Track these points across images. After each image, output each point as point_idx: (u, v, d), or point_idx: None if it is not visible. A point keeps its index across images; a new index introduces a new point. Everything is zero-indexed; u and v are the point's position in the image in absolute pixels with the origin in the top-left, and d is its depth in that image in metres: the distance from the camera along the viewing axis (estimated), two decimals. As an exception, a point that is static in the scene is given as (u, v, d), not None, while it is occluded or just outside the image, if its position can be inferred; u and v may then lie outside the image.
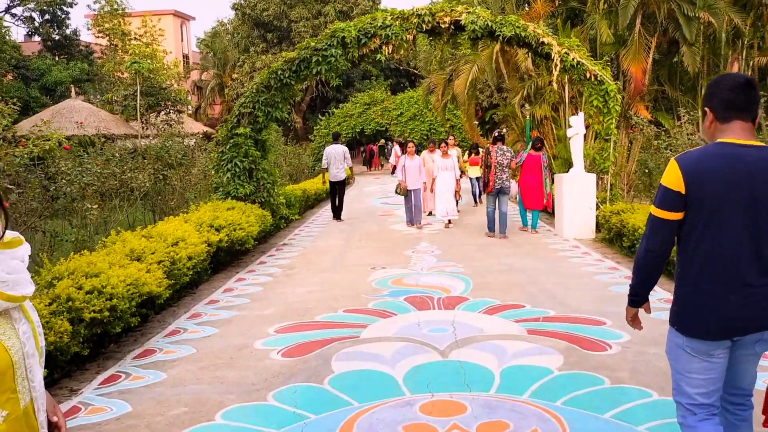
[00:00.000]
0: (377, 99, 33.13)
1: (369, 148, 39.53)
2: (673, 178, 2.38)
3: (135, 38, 40.73)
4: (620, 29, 15.49)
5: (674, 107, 18.76)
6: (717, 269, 2.36)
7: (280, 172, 21.55)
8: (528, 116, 16.71)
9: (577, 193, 10.69)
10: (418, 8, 10.58)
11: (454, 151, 12.94)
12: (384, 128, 32.92)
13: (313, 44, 10.60)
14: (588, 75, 10.69)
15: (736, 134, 2.37)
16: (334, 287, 7.66)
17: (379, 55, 10.68)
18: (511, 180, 11.24)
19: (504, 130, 34.29)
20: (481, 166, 12.46)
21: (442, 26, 10.59)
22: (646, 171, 11.13)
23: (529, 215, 11.50)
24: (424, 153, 13.94)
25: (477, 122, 35.17)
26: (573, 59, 10.58)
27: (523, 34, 10.50)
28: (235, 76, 37.45)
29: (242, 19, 37.02)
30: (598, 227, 10.66)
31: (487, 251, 9.78)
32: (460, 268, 8.53)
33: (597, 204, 10.78)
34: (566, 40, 10.81)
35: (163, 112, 27.82)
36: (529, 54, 11.53)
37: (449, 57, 22.50)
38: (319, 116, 34.01)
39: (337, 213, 13.84)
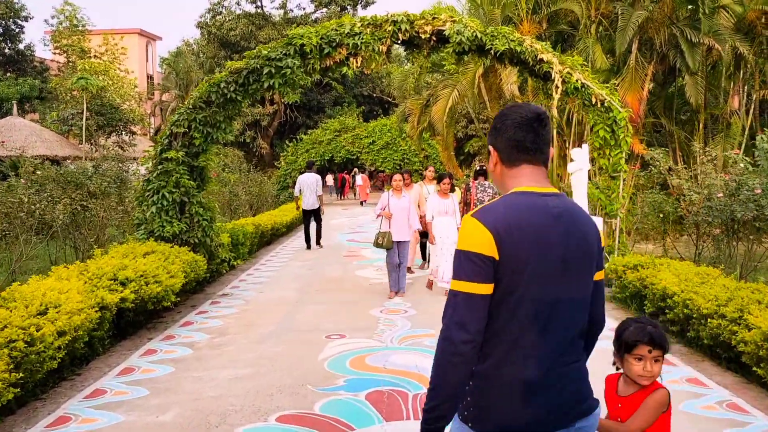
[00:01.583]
0: (348, 126, 31.41)
1: (341, 177, 37.68)
2: (480, 240, 1.81)
3: (95, 56, 38.67)
4: (617, 54, 13.96)
5: (669, 142, 17.29)
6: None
7: (237, 201, 19.58)
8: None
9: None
10: (394, 14, 8.77)
11: (454, 196, 9.34)
12: (354, 156, 31.12)
13: (265, 52, 8.70)
14: (594, 100, 8.96)
15: (529, 181, 1.92)
16: (272, 371, 5.62)
17: (345, 69, 8.83)
18: None
19: (483, 163, 32.85)
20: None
21: (422, 36, 8.78)
22: (661, 216, 9.38)
23: None
24: (416, 186, 11.07)
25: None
26: (577, 81, 8.85)
27: (518, 48, 8.75)
28: (196, 94, 35.42)
29: (208, 38, 35.14)
30: (607, 281, 8.86)
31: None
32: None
33: (604, 254, 8.96)
34: (568, 59, 9.09)
35: (114, 134, 25.64)
36: (521, 76, 9.75)
37: (424, 85, 20.89)
38: (287, 142, 32.08)
39: (309, 242, 14.04)
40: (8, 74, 34.00)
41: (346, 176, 37.96)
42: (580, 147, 16.40)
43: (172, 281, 7.05)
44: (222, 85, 8.65)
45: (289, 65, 8.53)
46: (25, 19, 37.84)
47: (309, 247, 13.92)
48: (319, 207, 13.81)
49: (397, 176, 9.20)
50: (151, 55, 54.12)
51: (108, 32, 40.34)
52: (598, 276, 2.01)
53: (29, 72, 36.70)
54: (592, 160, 9.45)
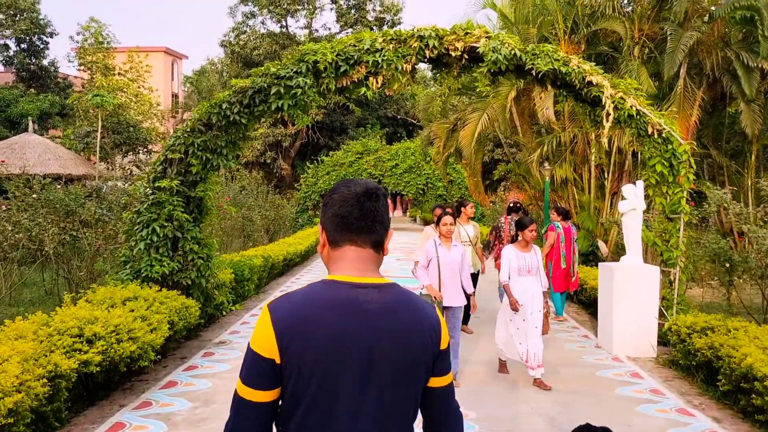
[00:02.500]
0: (371, 148, 30.41)
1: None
2: (262, 337, 1.60)
3: (119, 73, 38.40)
4: (665, 78, 12.73)
5: (717, 174, 15.94)
6: None
7: (252, 227, 18.57)
8: (548, 177, 13.81)
9: (632, 293, 7.60)
10: (421, 29, 7.69)
11: (537, 249, 6.78)
12: (377, 180, 30.07)
13: (273, 70, 7.67)
14: (650, 130, 7.75)
15: (349, 267, 1.69)
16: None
17: (364, 89, 7.74)
18: None
19: (517, 198, 31.57)
20: (491, 242, 9.43)
21: (452, 54, 7.68)
22: (726, 266, 8.07)
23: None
24: (428, 229, 8.68)
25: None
26: (631, 107, 7.65)
27: (563, 69, 7.60)
28: (218, 116, 34.85)
29: (231, 57, 34.60)
30: (662, 340, 7.59)
31: (507, 380, 6.65)
32: (468, 419, 5.37)
33: (661, 309, 7.69)
34: (621, 82, 7.91)
35: (131, 152, 24.96)
36: (564, 100, 8.58)
37: (451, 108, 19.82)
38: (308, 164, 31.19)
39: None
40: (30, 90, 33.71)
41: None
42: (620, 177, 15.20)
43: (152, 336, 5.95)
44: (224, 105, 7.62)
45: (300, 85, 7.48)
46: (51, 35, 37.74)
47: None
48: None
49: (448, 219, 6.42)
50: (177, 74, 54.06)
51: (133, 50, 40.14)
52: (437, 382, 1.75)
53: (52, 88, 36.46)
54: (647, 198, 8.20)
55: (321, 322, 1.59)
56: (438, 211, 7.82)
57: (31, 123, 24.25)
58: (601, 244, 14.63)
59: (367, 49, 7.57)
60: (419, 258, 7.62)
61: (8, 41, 36.18)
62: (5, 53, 36.29)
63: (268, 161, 33.98)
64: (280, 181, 37.40)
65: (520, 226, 6.50)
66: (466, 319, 8.60)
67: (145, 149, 24.56)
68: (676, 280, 7.76)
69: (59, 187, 18.14)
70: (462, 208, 8.67)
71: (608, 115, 7.63)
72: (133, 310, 6.25)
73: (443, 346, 1.71)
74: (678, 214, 7.88)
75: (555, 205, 11.27)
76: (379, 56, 7.54)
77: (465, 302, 6.44)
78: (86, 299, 6.48)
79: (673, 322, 7.08)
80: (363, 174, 29.79)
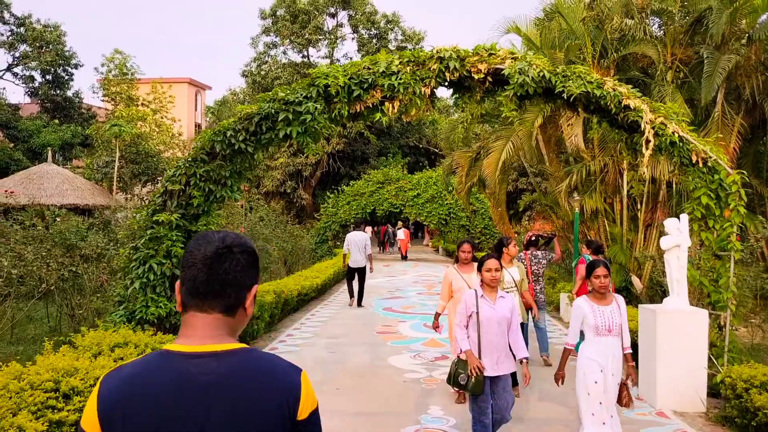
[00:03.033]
0: (392, 177, 29.89)
1: (384, 230, 36.07)
2: (88, 415, 1.51)
3: (143, 103, 38.67)
4: (702, 104, 11.99)
5: (757, 205, 15.02)
6: None
7: (269, 259, 18.00)
8: (577, 208, 13.05)
9: (678, 339, 6.80)
10: (441, 49, 7.11)
11: (620, 300, 5.36)
12: (398, 209, 29.48)
13: (282, 95, 7.13)
14: (695, 158, 7.02)
15: (190, 335, 1.54)
16: None
17: (379, 115, 7.16)
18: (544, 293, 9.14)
19: (540, 231, 30.74)
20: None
21: (475, 77, 7.07)
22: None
23: None
24: (452, 271, 7.17)
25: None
26: (673, 134, 6.95)
27: (596, 92, 6.94)
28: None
29: (252, 87, 34.57)
30: (712, 392, 6.76)
31: (530, 421, 5.88)
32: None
33: (710, 357, 6.86)
34: (661, 106, 7.22)
35: (150, 183, 24.72)
36: (599, 126, 7.91)
37: (473, 137, 19.24)
38: (328, 193, 30.74)
39: (352, 295, 14.13)
40: (54, 121, 33.96)
41: (394, 229, 36.40)
42: (654, 208, 14.38)
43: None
44: (229, 133, 7.09)
45: (310, 110, 6.92)
46: (75, 66, 38.20)
47: (351, 299, 14.12)
48: (365, 266, 13.84)
49: (492, 263, 5.08)
50: (200, 105, 54.42)
51: (157, 81, 40.44)
52: None
53: (76, 119, 36.74)
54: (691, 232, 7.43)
55: (146, 401, 1.47)
56: (466, 248, 6.73)
57: (50, 153, 24.19)
58: (635, 279, 13.78)
59: (383, 71, 7.00)
60: (447, 307, 6.89)
61: (34, 73, 36.66)
62: (31, 85, 36.74)
63: (289, 191, 33.62)
64: (301, 210, 37.02)
65: (590, 269, 5.18)
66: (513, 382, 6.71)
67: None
68: (727, 325, 6.95)
69: (78, 217, 17.83)
70: (504, 248, 7.43)
71: (648, 142, 6.93)
72: (122, 358, 5.65)
73: (302, 415, 1.57)
74: (727, 252, 7.09)
75: (586, 239, 10.67)
76: (396, 79, 6.97)
77: (514, 369, 5.20)
78: (72, 344, 5.89)
79: (726, 374, 6.26)
80: (384, 204, 29.27)
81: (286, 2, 35.91)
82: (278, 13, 36.07)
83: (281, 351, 9.48)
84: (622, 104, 7.02)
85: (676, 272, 7.08)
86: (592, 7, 13.81)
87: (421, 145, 42.33)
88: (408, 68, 7.04)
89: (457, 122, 16.17)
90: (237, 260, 1.58)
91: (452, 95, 7.53)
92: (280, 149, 7.01)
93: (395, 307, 14.14)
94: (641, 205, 14.05)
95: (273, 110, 7.05)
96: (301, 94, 7.06)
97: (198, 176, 7.10)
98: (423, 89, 7.05)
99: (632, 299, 14.27)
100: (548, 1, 14.97)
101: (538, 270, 8.81)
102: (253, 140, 7.16)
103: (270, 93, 7.28)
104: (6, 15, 35.70)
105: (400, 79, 6.97)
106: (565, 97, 7.01)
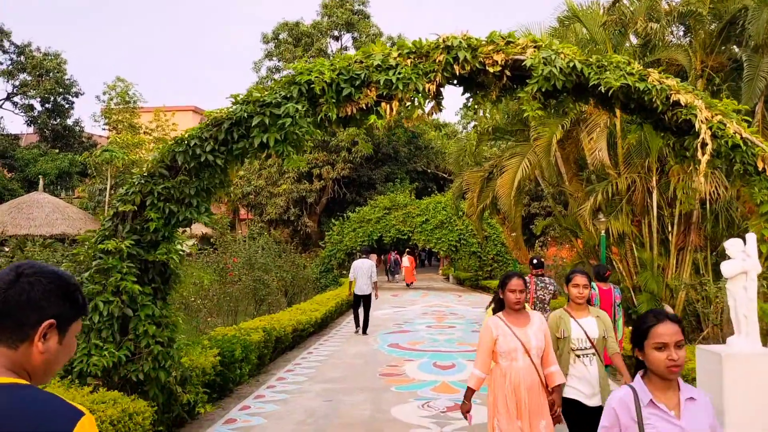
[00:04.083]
0: (399, 203, 28.63)
1: (389, 258, 34.75)
2: None
3: (145, 131, 37.89)
4: (741, 111, 10.69)
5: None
6: None
7: (266, 290, 16.70)
8: (603, 231, 11.71)
9: (752, 389, 5.41)
10: (449, 37, 5.88)
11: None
12: (405, 236, 28.17)
13: (257, 95, 5.91)
14: (761, 165, 5.72)
15: None
16: None
17: (373, 118, 5.92)
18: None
19: (546, 248, 29.26)
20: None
21: (490, 70, 5.83)
22: None
23: None
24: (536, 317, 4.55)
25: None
26: (735, 135, 5.66)
27: (639, 86, 5.68)
28: (241, 173, 33.54)
29: (254, 111, 33.64)
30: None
31: None
32: None
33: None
34: (717, 102, 5.95)
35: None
36: (639, 128, 6.63)
37: (485, 158, 18.02)
38: (333, 221, 29.50)
39: (357, 324, 14.11)
40: (52, 150, 33.12)
41: (397, 256, 35.07)
42: (687, 230, 13.00)
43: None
44: (193, 143, 5.86)
45: (290, 113, 5.68)
46: (76, 95, 37.55)
47: (357, 329, 14.08)
48: (370, 294, 13.93)
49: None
50: (204, 132, 53.72)
51: (160, 109, 39.69)
52: None
53: (76, 148, 35.94)
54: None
55: None
56: (518, 285, 4.33)
57: (41, 182, 23.18)
58: (667, 308, 12.35)
59: (378, 65, 5.78)
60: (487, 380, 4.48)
61: (33, 101, 35.98)
62: (30, 113, 36.03)
63: (292, 218, 32.42)
64: (307, 239, 35.78)
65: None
66: None
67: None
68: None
69: (63, 247, 16.52)
70: (568, 285, 4.89)
71: (704, 145, 5.64)
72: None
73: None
74: (807, 279, 5.73)
75: (593, 265, 9.36)
76: (394, 74, 5.74)
77: None
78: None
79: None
80: (391, 230, 27.98)
81: (288, 25, 35.19)
82: (281, 37, 35.32)
83: (267, 399, 8.12)
84: (671, 100, 5.75)
85: (744, 306, 5.71)
86: (613, 11, 12.65)
87: (429, 170, 41.15)
88: (408, 61, 5.81)
89: (466, 139, 14.94)
90: (22, 288, 1.44)
91: (462, 93, 6.28)
92: (259, 160, 6.00)
93: (402, 342, 12.75)
94: (672, 227, 12.71)
95: (246, 114, 5.83)
96: (280, 94, 5.84)
97: (156, 195, 5.85)
98: (427, 86, 5.82)
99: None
100: (562, 9, 13.83)
101: (543, 296, 8.04)
102: (224, 151, 5.93)
103: (243, 94, 6.07)
104: (6, 44, 35.14)
105: (399, 73, 5.74)
106: (602, 92, 5.73)
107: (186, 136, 5.91)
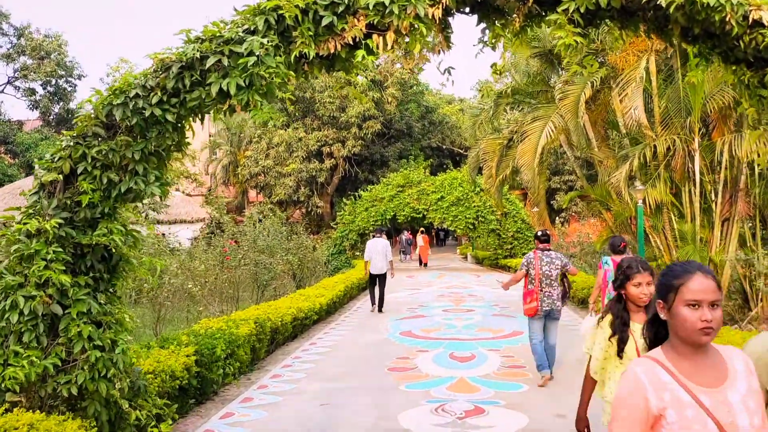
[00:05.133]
0: (413, 180, 27.26)
1: (402, 237, 33.52)
2: None
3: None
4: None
5: None
6: None
7: (267, 275, 15.56)
8: (640, 201, 10.34)
9: None
10: (456, -54, 4.53)
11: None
12: (420, 215, 26.86)
13: (213, 30, 4.63)
14: None
15: None
16: None
17: (362, 55, 4.60)
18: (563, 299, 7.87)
19: (567, 224, 27.79)
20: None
21: (512, -12, 4.49)
22: None
23: None
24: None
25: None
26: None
27: (709, 1, 4.30)
28: (248, 153, 32.38)
29: (261, 89, 32.32)
30: None
31: None
32: None
33: None
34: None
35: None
36: (705, 64, 5.24)
37: (504, 124, 16.65)
38: (344, 200, 28.26)
39: (374, 303, 14.20)
40: (54, 134, 32.18)
41: (410, 236, 33.84)
42: (733, 198, 11.56)
43: None
44: (134, 93, 4.60)
45: (255, 50, 4.40)
46: (79, 77, 36.53)
47: (373, 307, 14.20)
48: (386, 273, 13.99)
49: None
50: (214, 114, 52.65)
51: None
52: None
53: (79, 131, 35.00)
54: None
55: None
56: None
57: (37, 166, 22.12)
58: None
59: (366, -13, 4.45)
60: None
61: (34, 85, 35.01)
62: (32, 98, 35.09)
63: (302, 199, 31.24)
64: (321, 219, 34.64)
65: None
66: None
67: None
68: None
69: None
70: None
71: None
72: None
73: None
74: None
75: (609, 237, 8.47)
76: (387, -3, 4.41)
77: None
78: None
79: None
80: (405, 209, 26.67)
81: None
82: None
83: (256, 403, 6.95)
84: (750, 19, 4.37)
85: None
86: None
87: (444, 146, 39.74)
88: (405, -20, 4.48)
89: (481, 107, 13.53)
90: None
91: (477, 23, 4.94)
92: (222, 114, 4.86)
93: (415, 330, 11.53)
94: (716, 194, 11.30)
95: (200, 54, 4.55)
96: (243, 28, 4.56)
97: (90, 160, 4.64)
98: (430, 11, 4.49)
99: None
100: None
101: (550, 271, 7.58)
102: (175, 103, 4.67)
103: (200, 33, 4.78)
104: (5, 26, 34.11)
105: (394, -4, 4.42)
106: (657, 13, 4.37)
107: (124, 84, 4.65)
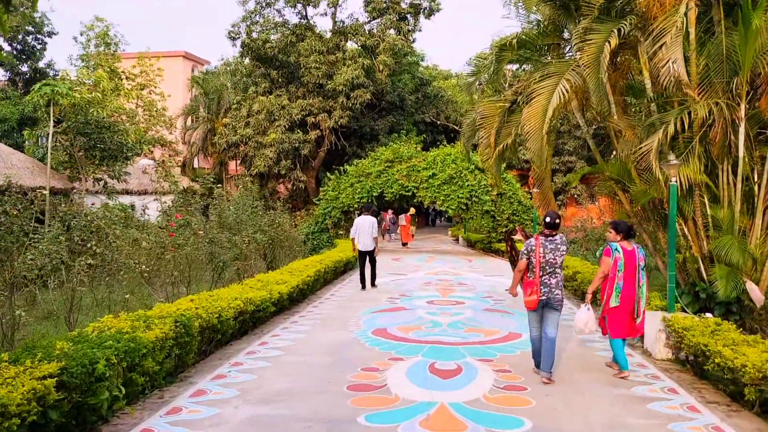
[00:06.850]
0: (403, 155, 25.16)
1: (385, 216, 31.54)
2: None
3: (127, 77, 34.55)
4: None
5: None
6: None
7: (229, 254, 13.52)
8: (674, 179, 8.30)
9: None
10: None
11: None
12: (410, 192, 24.80)
13: None
14: None
15: None
16: None
17: None
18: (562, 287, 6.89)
19: (564, 207, 25.74)
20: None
21: None
22: None
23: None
24: None
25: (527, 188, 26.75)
26: None
27: None
28: (226, 121, 30.07)
29: (242, 51, 29.93)
30: None
31: None
32: None
33: None
34: None
35: (107, 162, 20.31)
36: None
37: (502, 87, 14.49)
38: (329, 175, 26.15)
39: (364, 281, 14.12)
40: (15, 93, 29.79)
41: (393, 215, 31.89)
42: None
43: None
44: None
45: None
46: (49, 35, 34.02)
47: (363, 287, 14.04)
48: (374, 249, 14.00)
49: None
50: (197, 80, 50.19)
51: (146, 54, 36.14)
52: None
53: (48, 93, 32.60)
54: None
55: None
56: None
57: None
58: (750, 286, 9.09)
59: None
60: None
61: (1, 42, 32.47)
62: (-4, 55, 32.56)
63: (283, 172, 29.04)
64: (306, 195, 32.48)
65: None
66: None
67: (122, 156, 19.89)
68: None
69: None
70: None
71: None
72: None
73: None
74: None
75: (613, 221, 7.59)
76: None
77: None
78: None
79: None
80: (394, 186, 24.63)
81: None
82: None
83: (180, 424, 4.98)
84: None
85: None
86: None
87: (438, 122, 37.52)
88: None
89: (478, 63, 11.38)
90: None
91: None
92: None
93: (391, 327, 9.56)
94: (759, 177, 9.32)
95: None
96: None
97: None
98: None
99: (747, 317, 9.55)
100: None
101: (554, 259, 6.77)
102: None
103: None
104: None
105: None
106: None
107: None
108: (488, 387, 6.47)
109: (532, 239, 7.02)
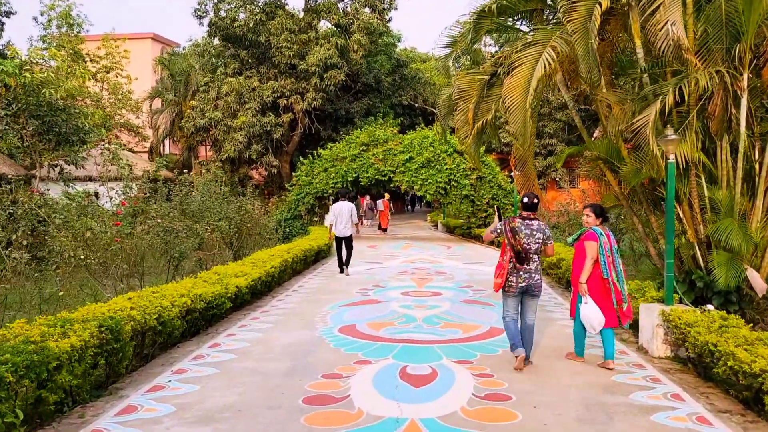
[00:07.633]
0: (379, 138, 24.19)
1: (363, 201, 30.62)
2: None
3: (92, 59, 33.06)
4: None
5: None
6: None
7: (187, 244, 12.49)
8: (672, 157, 7.45)
9: None
10: None
11: None
12: (386, 177, 23.88)
13: None
14: None
15: None
16: None
17: None
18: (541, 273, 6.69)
19: (544, 190, 24.97)
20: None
21: None
22: None
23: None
24: None
25: (507, 172, 25.96)
26: None
27: None
28: (193, 103, 28.77)
29: (209, 31, 28.59)
30: None
31: None
32: None
33: None
34: None
35: (61, 147, 19.03)
36: None
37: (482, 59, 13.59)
38: (302, 159, 25.10)
39: (341, 266, 14.14)
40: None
41: (371, 201, 31.04)
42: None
43: None
44: None
45: None
46: (7, 14, 32.25)
47: (342, 271, 14.09)
48: (351, 235, 14.12)
49: None
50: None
51: (111, 36, 34.60)
52: None
53: (4, 75, 30.94)
54: None
55: None
56: None
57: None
58: (752, 273, 8.34)
59: None
60: None
61: (-49, 20, 30.68)
62: (-51, 35, 30.79)
63: (254, 157, 27.89)
64: (280, 181, 31.35)
65: None
66: None
67: (78, 139, 18.63)
68: None
69: None
70: None
71: None
72: None
73: None
74: None
75: (590, 204, 7.10)
76: None
77: None
78: None
79: None
80: (369, 170, 23.68)
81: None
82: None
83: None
84: None
85: None
86: None
87: (416, 104, 36.53)
88: None
89: (456, 33, 10.41)
90: None
91: None
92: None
93: (360, 324, 8.65)
94: (760, 155, 8.55)
95: None
96: None
97: None
98: None
99: (747, 307, 8.80)
100: None
101: (530, 244, 6.52)
102: None
103: None
104: None
105: None
106: None
107: None
108: (467, 397, 5.60)
109: (504, 222, 6.74)
